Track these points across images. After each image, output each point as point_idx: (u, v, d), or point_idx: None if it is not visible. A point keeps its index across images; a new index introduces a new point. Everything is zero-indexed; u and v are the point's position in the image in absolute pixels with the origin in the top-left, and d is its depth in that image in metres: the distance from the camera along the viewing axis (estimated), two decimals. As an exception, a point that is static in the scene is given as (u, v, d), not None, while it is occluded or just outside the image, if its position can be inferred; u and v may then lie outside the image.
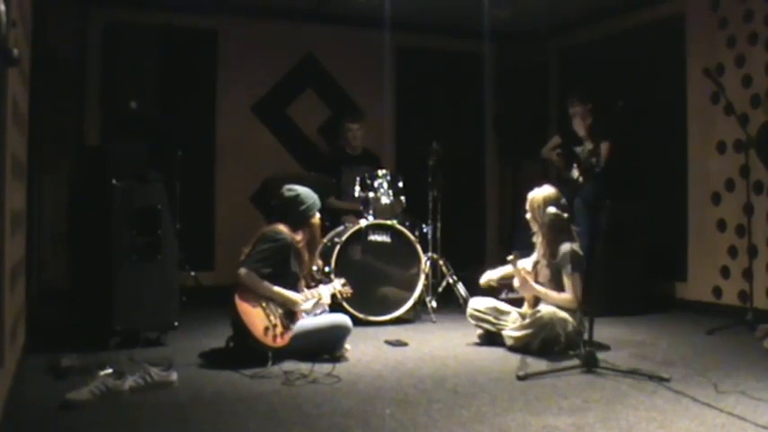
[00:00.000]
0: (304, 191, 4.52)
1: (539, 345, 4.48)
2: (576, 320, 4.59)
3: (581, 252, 4.69)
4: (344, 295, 4.87)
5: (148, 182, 4.73)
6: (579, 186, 5.77)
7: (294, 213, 4.46)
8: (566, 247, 4.67)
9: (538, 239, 4.85)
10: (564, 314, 4.55)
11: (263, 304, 4.21)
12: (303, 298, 4.37)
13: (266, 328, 4.14)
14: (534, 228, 4.86)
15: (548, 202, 4.76)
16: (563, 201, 4.89)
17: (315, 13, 7.13)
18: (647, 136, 6.57)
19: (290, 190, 4.50)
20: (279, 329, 4.19)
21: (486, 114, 8.09)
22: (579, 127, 6.35)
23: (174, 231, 5.07)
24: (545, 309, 4.54)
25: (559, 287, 4.68)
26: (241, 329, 4.16)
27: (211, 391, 3.64)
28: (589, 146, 6.20)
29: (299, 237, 4.45)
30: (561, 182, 6.41)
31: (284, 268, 4.33)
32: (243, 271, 4.23)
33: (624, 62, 6.91)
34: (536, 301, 4.76)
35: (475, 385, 3.76)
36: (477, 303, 4.94)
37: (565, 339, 4.50)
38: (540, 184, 4.99)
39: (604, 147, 6.19)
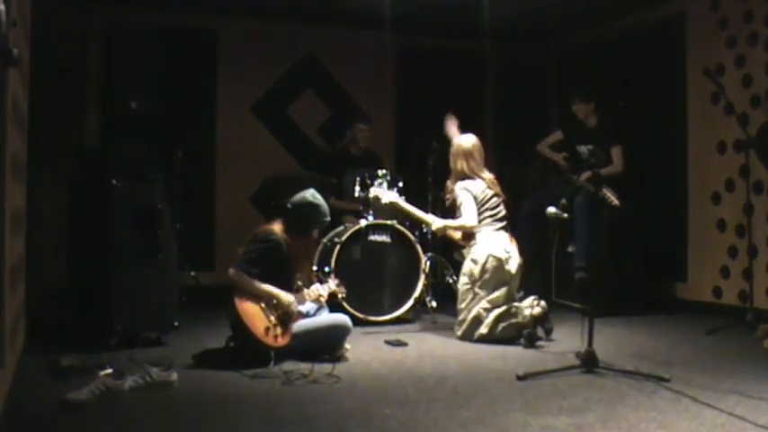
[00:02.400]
0: (324, 204, 4.52)
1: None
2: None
3: (467, 184, 5.20)
4: (340, 295, 4.88)
5: (148, 182, 4.74)
6: (617, 210, 5.80)
7: (306, 220, 4.46)
8: (457, 186, 5.26)
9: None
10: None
11: (262, 305, 4.21)
12: (293, 298, 4.33)
13: (267, 329, 4.14)
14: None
15: (461, 149, 5.29)
16: (563, 201, 4.89)
17: (315, 13, 7.13)
18: (647, 136, 6.57)
19: (315, 197, 4.49)
20: (279, 329, 4.19)
21: (486, 114, 8.09)
22: (590, 121, 6.37)
23: (174, 231, 5.07)
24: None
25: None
26: (241, 330, 4.16)
27: (211, 391, 3.64)
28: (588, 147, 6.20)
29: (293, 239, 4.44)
30: (563, 182, 6.40)
31: (276, 268, 4.32)
32: (231, 270, 4.25)
33: (624, 62, 6.91)
34: (465, 236, 5.23)
35: (475, 385, 3.76)
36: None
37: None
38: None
39: (616, 151, 6.19)
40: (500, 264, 5.00)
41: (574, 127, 6.47)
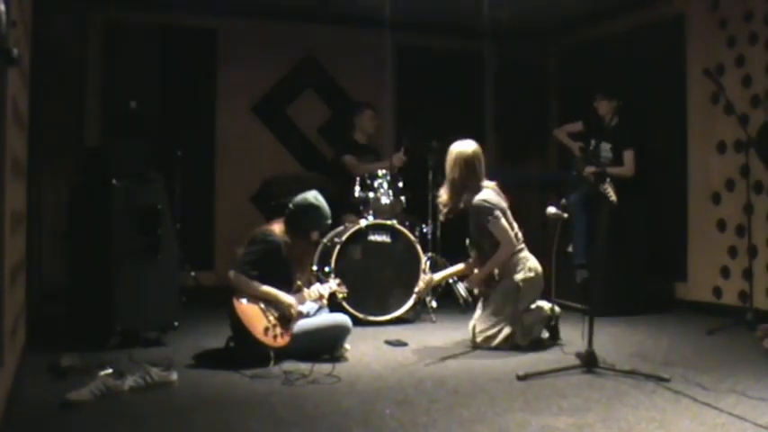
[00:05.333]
0: (326, 207, 4.51)
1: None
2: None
3: (488, 198, 4.74)
4: (341, 294, 4.88)
5: (148, 182, 4.74)
6: (614, 207, 5.76)
7: (306, 222, 4.46)
8: (475, 201, 4.76)
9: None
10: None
11: (261, 305, 4.21)
12: (294, 300, 4.34)
13: (266, 329, 4.14)
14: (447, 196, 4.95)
15: (461, 159, 4.84)
16: (563, 201, 4.90)
17: (315, 13, 7.13)
18: (648, 136, 6.57)
19: (316, 198, 4.49)
20: (278, 329, 4.19)
21: (486, 114, 8.08)
22: (609, 119, 6.36)
23: (174, 231, 5.07)
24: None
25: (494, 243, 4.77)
26: (241, 331, 4.16)
27: (211, 391, 3.64)
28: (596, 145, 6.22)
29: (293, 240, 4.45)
30: (571, 172, 6.38)
31: (275, 270, 4.32)
32: (231, 273, 4.26)
33: (624, 62, 6.91)
34: (489, 278, 4.85)
35: (475, 385, 3.76)
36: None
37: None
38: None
39: (628, 155, 6.19)
40: (540, 280, 4.84)
41: (594, 122, 6.45)
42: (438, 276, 5.11)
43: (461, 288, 6.17)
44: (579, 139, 6.50)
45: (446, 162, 4.93)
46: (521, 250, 4.84)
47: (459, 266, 5.10)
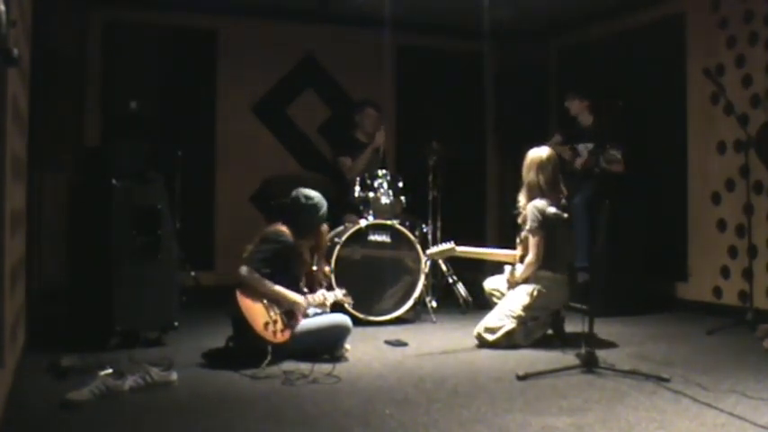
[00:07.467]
0: (319, 199, 4.51)
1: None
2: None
3: (545, 209, 4.74)
4: (346, 304, 4.89)
5: (148, 182, 4.74)
6: (578, 176, 5.73)
7: (306, 220, 4.47)
8: (529, 205, 4.83)
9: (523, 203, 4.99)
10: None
11: (264, 301, 4.22)
12: (304, 300, 4.37)
13: (266, 324, 4.15)
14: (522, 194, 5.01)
15: (535, 163, 4.91)
16: (563, 201, 4.90)
17: (315, 13, 7.13)
18: (647, 136, 6.57)
19: (307, 198, 4.49)
20: (279, 325, 4.20)
21: (486, 114, 8.08)
22: (583, 119, 6.38)
23: (174, 231, 5.06)
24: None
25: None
26: (241, 324, 4.16)
27: (211, 391, 3.64)
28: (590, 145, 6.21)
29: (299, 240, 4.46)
30: (567, 176, 6.39)
31: (285, 269, 4.34)
32: (244, 269, 4.24)
33: (624, 62, 6.91)
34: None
35: (475, 385, 3.76)
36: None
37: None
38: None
39: (619, 153, 6.18)
40: (557, 293, 4.84)
41: (570, 127, 6.46)
42: (480, 251, 5.22)
43: (461, 288, 6.18)
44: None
45: (522, 167, 5.01)
46: (549, 268, 4.82)
47: (507, 252, 5.11)
